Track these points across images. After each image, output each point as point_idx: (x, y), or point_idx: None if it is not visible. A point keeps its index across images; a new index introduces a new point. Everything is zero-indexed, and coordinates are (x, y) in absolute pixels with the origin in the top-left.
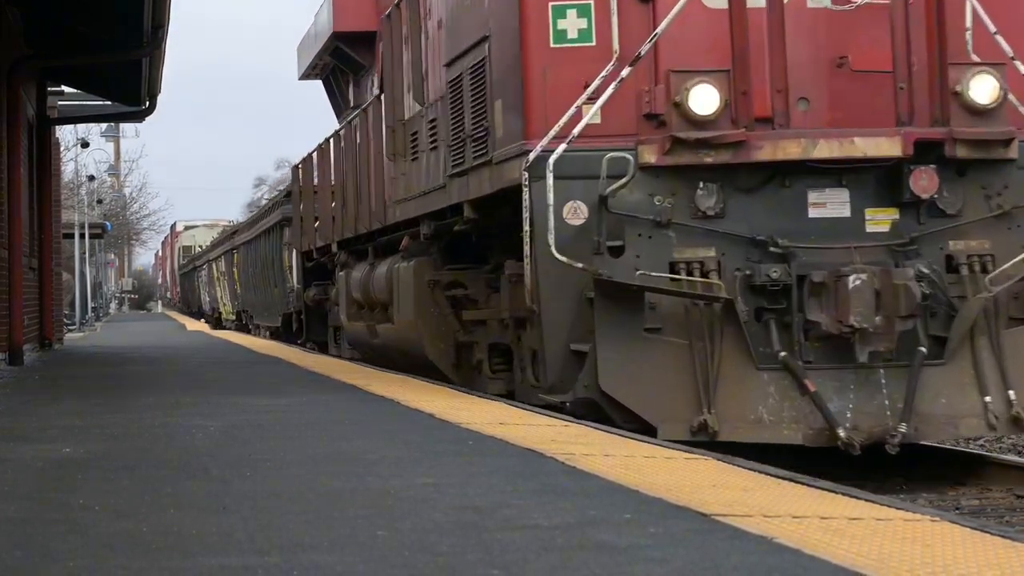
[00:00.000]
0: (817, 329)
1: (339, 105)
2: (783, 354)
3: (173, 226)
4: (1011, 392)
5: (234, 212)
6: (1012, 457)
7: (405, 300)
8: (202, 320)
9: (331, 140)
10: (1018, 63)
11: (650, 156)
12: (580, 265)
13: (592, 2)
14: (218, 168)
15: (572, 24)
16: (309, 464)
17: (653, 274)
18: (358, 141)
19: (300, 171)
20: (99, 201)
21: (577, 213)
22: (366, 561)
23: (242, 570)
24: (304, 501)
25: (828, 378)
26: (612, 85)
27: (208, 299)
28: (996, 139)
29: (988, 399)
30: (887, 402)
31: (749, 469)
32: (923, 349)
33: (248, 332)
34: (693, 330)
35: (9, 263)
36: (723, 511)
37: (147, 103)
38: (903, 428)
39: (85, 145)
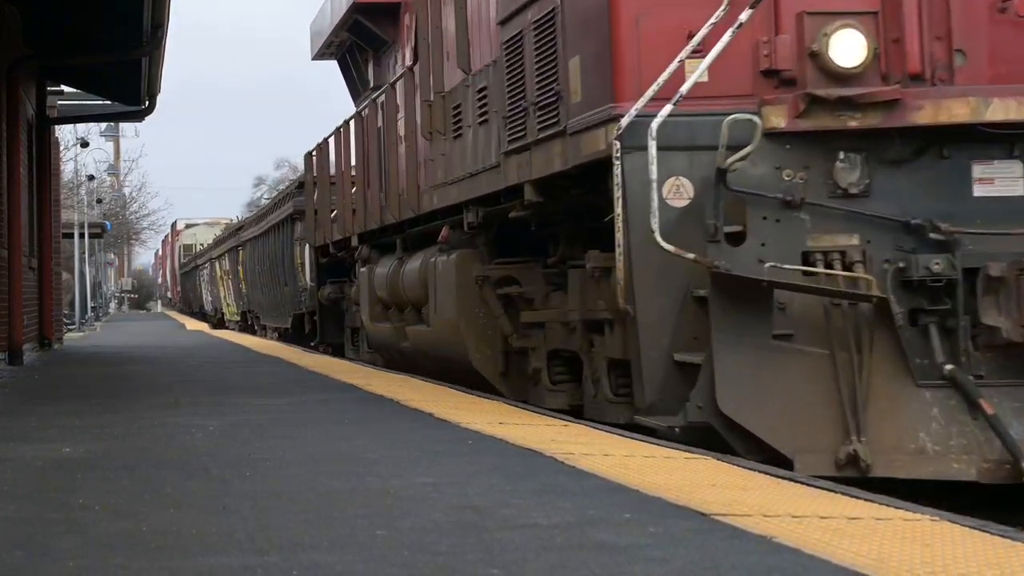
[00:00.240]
0: (992, 336)
1: (356, 87)
2: (949, 367)
3: (173, 224)
4: None
5: (234, 211)
6: None
7: (445, 299)
8: (204, 321)
9: (351, 122)
10: None
11: (778, 119)
12: (692, 255)
13: None
14: (218, 167)
15: None
16: (309, 464)
17: (785, 266)
18: (384, 121)
19: (314, 159)
20: (99, 201)
21: (680, 192)
22: (366, 561)
23: (242, 570)
24: (304, 501)
25: (1007, 397)
26: (728, 33)
27: (210, 299)
28: None
29: None
30: None
31: (748, 469)
32: None
33: (254, 333)
34: (835, 337)
35: (9, 263)
36: (723, 511)
37: (146, 103)
38: None
39: (85, 145)
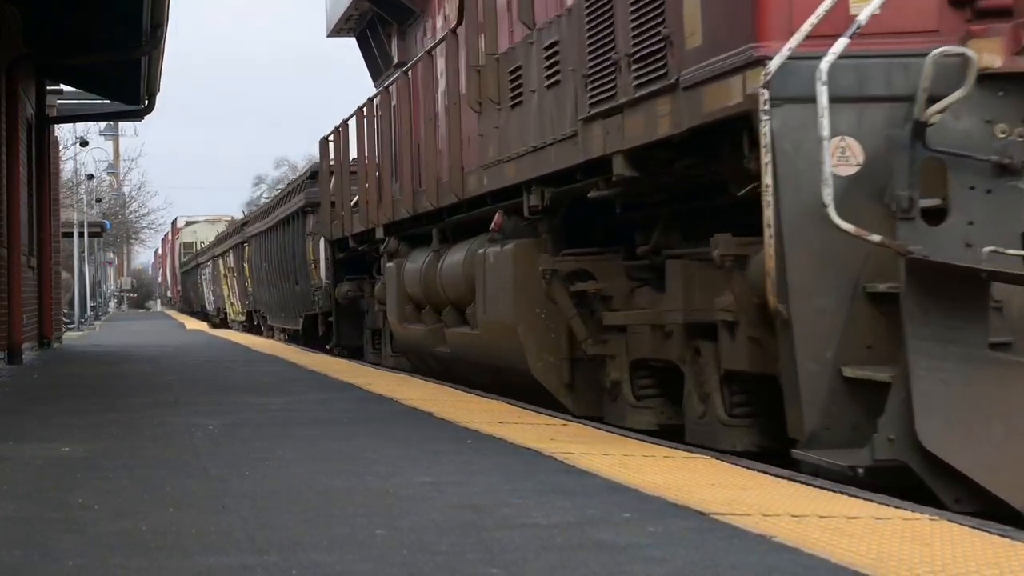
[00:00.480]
0: None
1: (378, 65)
2: None
3: (174, 222)
4: None
5: (233, 211)
6: None
7: (499, 296)
8: (206, 321)
9: (375, 100)
10: None
11: (992, 57)
12: (877, 238)
13: None
14: (217, 167)
15: None
16: (308, 463)
17: (1009, 252)
18: (418, 95)
19: (331, 144)
20: (98, 200)
21: (846, 156)
22: (365, 560)
23: (241, 569)
24: (303, 500)
25: None
26: None
27: (212, 298)
28: None
29: None
30: None
31: (747, 468)
32: None
33: (260, 334)
34: None
35: (8, 262)
36: (722, 510)
37: (146, 102)
38: None
39: (84, 144)
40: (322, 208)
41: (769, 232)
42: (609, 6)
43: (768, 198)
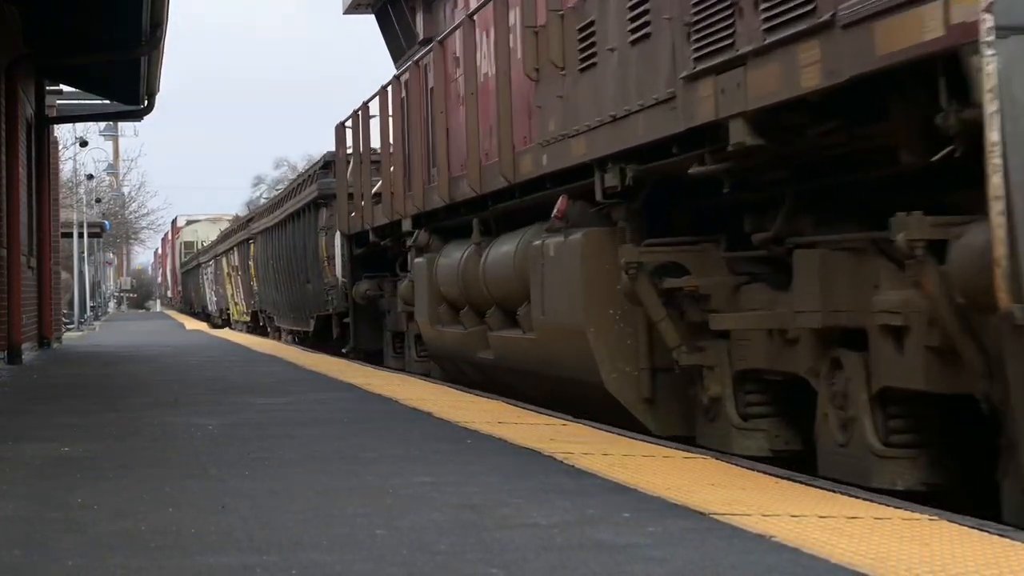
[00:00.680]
0: None
1: (400, 44)
2: None
3: (174, 221)
4: None
5: (233, 211)
6: None
7: (562, 295)
8: (207, 321)
9: (403, 78)
10: None
11: None
12: None
13: None
14: (217, 167)
15: None
16: (308, 463)
17: None
18: (457, 67)
19: (348, 130)
20: (98, 200)
21: None
22: (365, 560)
23: (241, 569)
24: (303, 500)
25: None
26: None
27: (215, 298)
28: None
29: None
30: None
31: (747, 468)
32: None
33: (265, 335)
34: None
35: (8, 262)
36: (722, 510)
37: (145, 102)
38: None
39: (84, 144)
40: (338, 200)
41: (998, 208)
42: None
43: (995, 161)
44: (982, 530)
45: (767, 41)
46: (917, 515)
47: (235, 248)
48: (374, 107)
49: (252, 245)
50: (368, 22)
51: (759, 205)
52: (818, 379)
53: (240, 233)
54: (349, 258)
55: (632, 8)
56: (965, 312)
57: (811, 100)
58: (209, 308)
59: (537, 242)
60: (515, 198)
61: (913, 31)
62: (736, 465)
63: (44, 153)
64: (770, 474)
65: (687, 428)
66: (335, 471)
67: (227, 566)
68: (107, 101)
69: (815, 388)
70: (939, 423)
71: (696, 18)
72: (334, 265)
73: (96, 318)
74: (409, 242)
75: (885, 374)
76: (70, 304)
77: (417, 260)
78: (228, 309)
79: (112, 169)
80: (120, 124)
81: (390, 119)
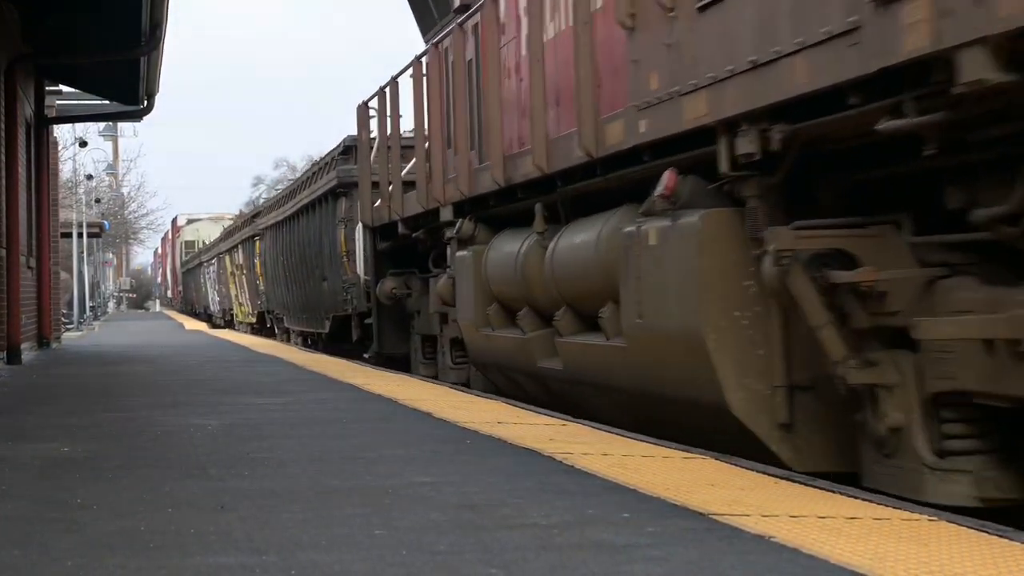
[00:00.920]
0: None
1: (431, 15)
2: None
3: (174, 220)
4: None
5: (233, 211)
6: None
7: (674, 292)
8: (208, 322)
9: (443, 44)
10: None
11: None
12: None
13: None
14: (216, 167)
15: None
16: (307, 463)
17: None
18: (512, 27)
19: (374, 111)
20: (97, 200)
21: None
22: (364, 560)
23: (240, 569)
24: (302, 500)
25: None
26: None
27: (218, 298)
28: None
29: None
30: None
31: (747, 468)
32: None
33: (273, 336)
34: None
35: (7, 262)
36: (721, 510)
37: (145, 102)
38: None
39: (83, 144)
40: (360, 189)
41: None
42: None
43: None
44: (981, 531)
45: None
46: (916, 516)
47: (240, 245)
48: (406, 81)
49: (259, 242)
50: (370, 22)
51: (963, 173)
52: None
53: (245, 229)
54: (372, 253)
55: None
56: None
57: None
58: (211, 308)
59: (631, 228)
60: (595, 176)
61: None
62: (736, 466)
63: (43, 153)
64: (769, 474)
65: (837, 462)
66: (334, 471)
67: (226, 566)
68: (106, 101)
69: None
70: None
71: None
72: (354, 260)
73: (95, 318)
74: (450, 233)
75: None
76: (69, 304)
77: (460, 254)
78: (232, 310)
79: (111, 169)
80: (119, 124)
81: (424, 95)
